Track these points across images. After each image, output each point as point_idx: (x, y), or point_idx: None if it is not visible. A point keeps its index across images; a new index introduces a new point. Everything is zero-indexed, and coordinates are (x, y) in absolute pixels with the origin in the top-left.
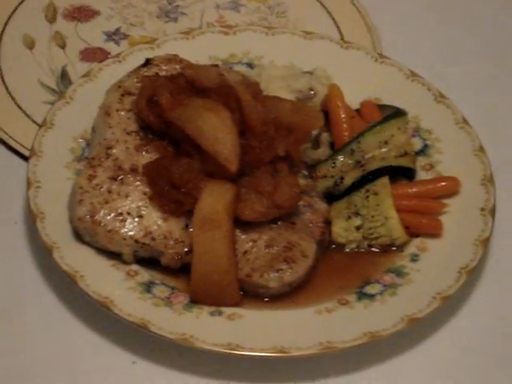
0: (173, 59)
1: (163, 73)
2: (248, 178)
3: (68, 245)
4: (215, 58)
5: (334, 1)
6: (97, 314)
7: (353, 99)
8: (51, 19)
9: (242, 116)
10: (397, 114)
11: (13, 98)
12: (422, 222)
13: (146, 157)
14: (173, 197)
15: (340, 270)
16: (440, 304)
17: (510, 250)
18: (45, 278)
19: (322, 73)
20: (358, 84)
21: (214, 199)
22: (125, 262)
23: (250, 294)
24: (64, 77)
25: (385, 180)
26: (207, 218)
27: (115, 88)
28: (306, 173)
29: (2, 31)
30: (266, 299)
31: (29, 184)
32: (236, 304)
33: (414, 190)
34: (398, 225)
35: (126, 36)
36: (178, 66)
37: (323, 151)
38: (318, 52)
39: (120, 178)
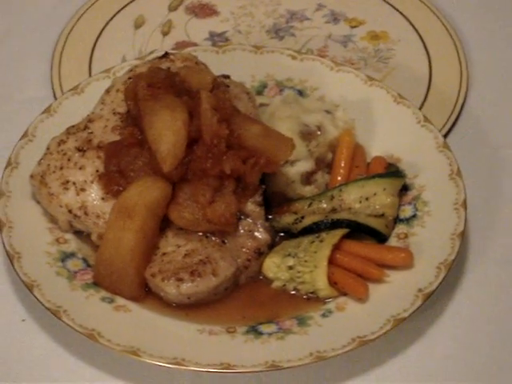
0: (189, 59)
1: (175, 69)
2: (190, 185)
3: None
4: (271, 76)
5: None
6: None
7: (380, 153)
8: (173, 8)
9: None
10: (388, 174)
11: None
12: (348, 282)
13: (115, 138)
14: (116, 181)
15: (255, 301)
16: (312, 361)
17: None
18: None
19: (341, 115)
20: (394, 141)
21: (138, 192)
22: (60, 229)
23: (158, 296)
24: None
25: (338, 232)
26: (124, 206)
27: (128, 70)
28: (259, 200)
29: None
30: (174, 305)
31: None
32: (134, 298)
33: (364, 250)
34: (323, 276)
35: (226, 41)
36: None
37: (310, 190)
38: (373, 100)
39: (84, 150)
